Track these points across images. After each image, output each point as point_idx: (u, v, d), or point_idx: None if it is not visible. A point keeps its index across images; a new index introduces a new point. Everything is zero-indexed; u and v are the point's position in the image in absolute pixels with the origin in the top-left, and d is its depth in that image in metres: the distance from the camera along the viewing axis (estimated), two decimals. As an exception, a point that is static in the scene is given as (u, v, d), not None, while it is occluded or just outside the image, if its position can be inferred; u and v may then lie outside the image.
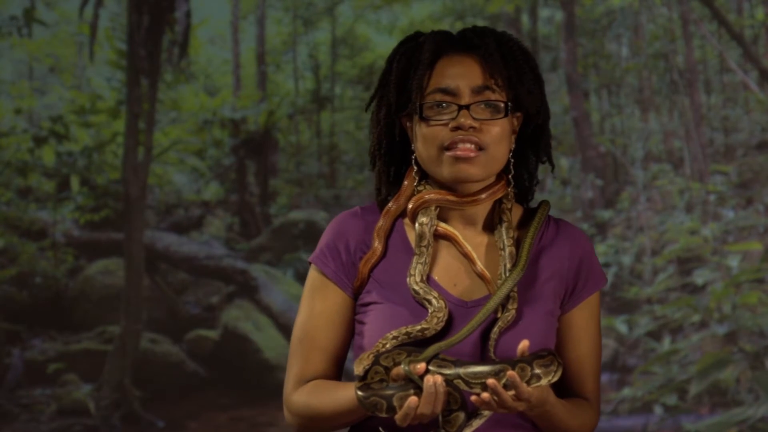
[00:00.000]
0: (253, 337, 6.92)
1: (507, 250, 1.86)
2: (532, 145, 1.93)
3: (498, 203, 1.90)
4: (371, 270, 1.88)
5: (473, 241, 1.89)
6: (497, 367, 1.69)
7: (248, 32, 7.97)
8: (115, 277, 7.07)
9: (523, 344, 1.72)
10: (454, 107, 1.82)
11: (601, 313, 6.99)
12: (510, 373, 1.68)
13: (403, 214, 1.91)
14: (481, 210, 1.89)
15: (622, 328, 6.71)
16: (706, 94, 7.40)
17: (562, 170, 7.44)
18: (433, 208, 1.88)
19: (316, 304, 1.89)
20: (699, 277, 6.73)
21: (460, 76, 1.84)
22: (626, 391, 6.49)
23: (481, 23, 8.17)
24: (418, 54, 1.86)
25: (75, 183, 7.31)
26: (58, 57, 7.60)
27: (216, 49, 8.06)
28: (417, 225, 1.87)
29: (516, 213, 1.93)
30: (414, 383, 1.70)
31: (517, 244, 1.88)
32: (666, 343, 6.59)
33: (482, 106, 1.83)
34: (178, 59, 7.36)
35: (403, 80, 1.86)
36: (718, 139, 7.26)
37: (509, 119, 1.86)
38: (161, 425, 6.53)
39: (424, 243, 1.86)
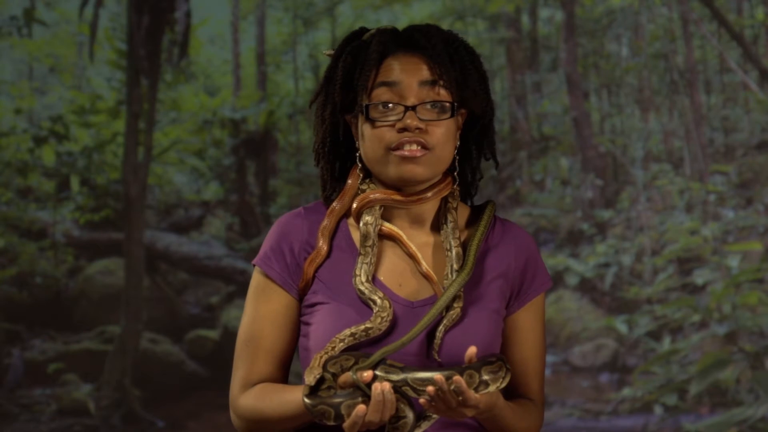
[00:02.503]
0: (253, 337, 6.91)
1: (454, 251, 1.86)
2: (476, 142, 1.92)
3: (443, 202, 1.89)
4: (316, 270, 1.87)
5: (419, 241, 1.89)
6: (445, 373, 1.68)
7: (248, 32, 7.97)
8: (115, 277, 7.07)
9: (471, 350, 1.71)
10: (401, 108, 1.81)
11: (601, 313, 7.00)
12: (456, 378, 1.67)
13: (347, 213, 1.90)
14: (427, 209, 1.89)
15: (622, 328, 6.71)
16: (706, 94, 7.40)
17: (562, 170, 7.44)
18: (377, 207, 1.86)
19: (261, 306, 1.88)
20: (699, 277, 6.73)
21: (406, 72, 1.83)
22: (626, 391, 6.49)
23: (481, 23, 8.14)
24: (364, 53, 1.85)
25: (75, 183, 7.31)
26: (58, 57, 7.60)
27: (216, 49, 8.06)
28: (361, 225, 1.86)
29: (462, 213, 1.92)
30: (362, 390, 1.69)
31: (464, 245, 1.87)
32: (666, 343, 6.59)
33: (428, 106, 1.82)
34: (178, 59, 7.36)
35: (349, 79, 1.85)
36: (718, 139, 7.26)
37: (455, 118, 1.85)
38: (161, 425, 6.53)
39: (369, 243, 1.85)
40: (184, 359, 6.83)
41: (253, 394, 1.86)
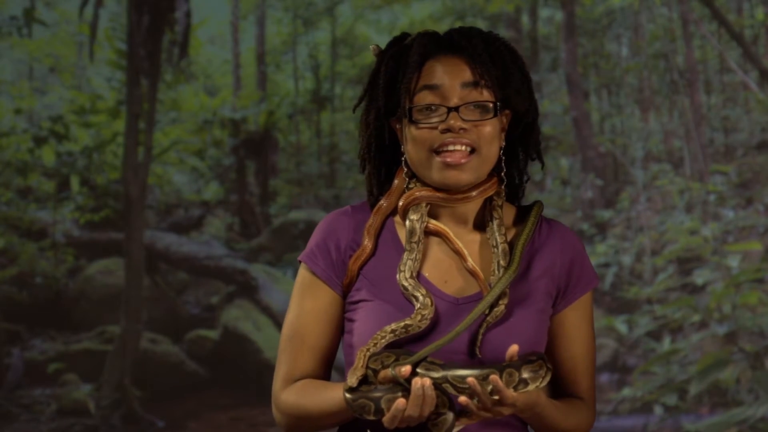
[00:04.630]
0: (253, 337, 6.92)
1: (500, 247, 1.86)
2: (521, 142, 1.92)
3: (489, 201, 1.90)
4: (361, 268, 1.87)
5: (464, 239, 1.89)
6: (484, 371, 1.68)
7: (248, 32, 7.98)
8: (115, 277, 7.08)
9: (512, 349, 1.71)
10: (443, 109, 1.82)
11: (601, 313, 7.01)
12: (492, 377, 1.67)
13: (393, 212, 1.91)
14: (472, 208, 1.89)
15: (622, 328, 6.71)
16: (706, 94, 7.40)
17: (562, 170, 7.44)
18: (423, 205, 1.87)
19: (306, 302, 1.89)
20: (699, 277, 6.73)
21: (448, 73, 1.84)
22: (626, 391, 6.49)
23: (481, 23, 8.13)
24: (405, 57, 1.86)
25: (75, 183, 7.31)
26: (58, 57, 7.61)
27: (216, 49, 8.07)
28: (407, 221, 1.87)
29: (508, 213, 1.92)
30: (402, 385, 1.70)
31: (510, 243, 1.87)
32: (666, 343, 6.59)
33: (471, 107, 1.83)
34: (178, 59, 7.36)
35: (392, 83, 1.86)
36: (718, 139, 7.26)
37: (498, 118, 1.86)
38: (161, 425, 6.54)
39: (415, 239, 1.86)
40: (184, 359, 6.83)
41: (295, 390, 1.86)
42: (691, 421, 6.25)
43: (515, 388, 1.70)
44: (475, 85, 1.83)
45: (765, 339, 6.33)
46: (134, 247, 6.85)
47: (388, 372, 1.72)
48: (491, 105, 1.83)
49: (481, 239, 1.89)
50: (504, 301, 1.82)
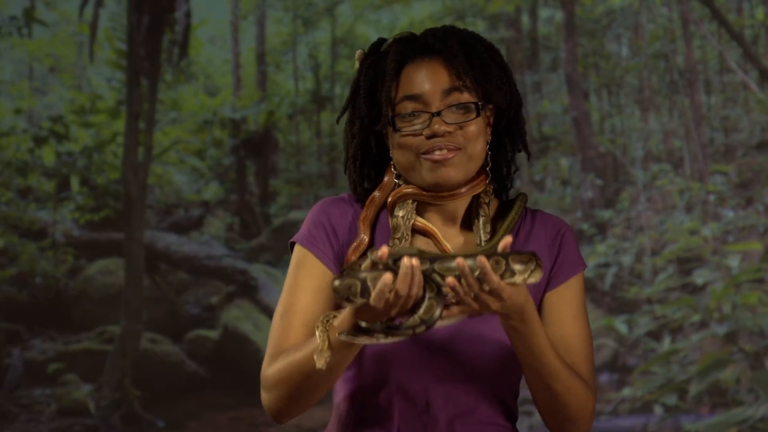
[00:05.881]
0: (253, 337, 6.92)
1: (485, 246, 1.86)
2: (508, 134, 1.92)
3: (476, 198, 1.90)
4: (358, 259, 1.86)
5: (452, 240, 1.89)
6: (470, 260, 1.64)
7: (248, 32, 7.97)
8: (115, 277, 7.08)
9: (506, 240, 1.67)
10: (426, 115, 1.82)
11: (601, 313, 6.99)
12: (479, 259, 1.62)
13: (385, 204, 1.91)
14: (460, 206, 1.89)
15: (622, 328, 6.71)
16: (706, 94, 7.40)
17: (562, 170, 7.44)
18: (410, 202, 1.88)
19: (301, 281, 1.88)
20: (699, 277, 6.73)
21: (427, 80, 1.84)
22: (626, 391, 6.49)
23: (481, 23, 8.10)
24: (383, 65, 1.86)
25: (75, 183, 7.31)
26: (58, 57, 7.60)
27: (216, 49, 8.06)
28: (393, 217, 1.87)
29: (494, 208, 1.92)
30: (389, 269, 1.66)
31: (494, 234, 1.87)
32: (666, 343, 6.59)
33: (453, 109, 1.83)
34: (178, 59, 7.36)
35: (372, 93, 1.87)
36: (718, 139, 7.26)
37: (482, 115, 1.86)
38: (161, 425, 6.54)
39: (398, 235, 1.86)
40: (184, 359, 6.83)
41: (281, 357, 1.81)
42: (691, 421, 6.25)
43: (502, 277, 1.65)
44: (454, 88, 1.83)
45: (765, 339, 6.33)
46: (134, 247, 6.85)
47: (368, 259, 1.69)
48: (473, 106, 1.84)
49: (467, 240, 1.90)
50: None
